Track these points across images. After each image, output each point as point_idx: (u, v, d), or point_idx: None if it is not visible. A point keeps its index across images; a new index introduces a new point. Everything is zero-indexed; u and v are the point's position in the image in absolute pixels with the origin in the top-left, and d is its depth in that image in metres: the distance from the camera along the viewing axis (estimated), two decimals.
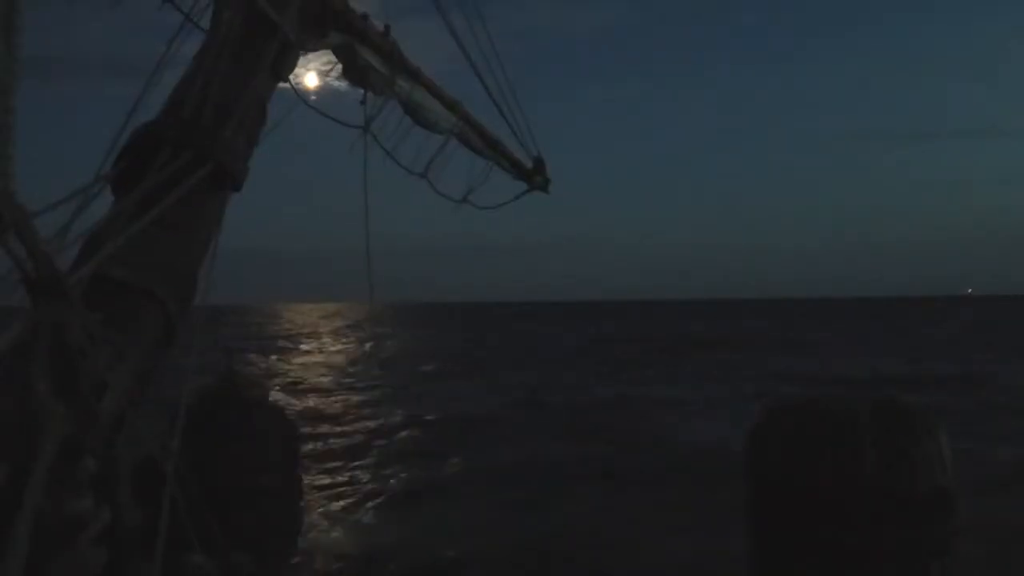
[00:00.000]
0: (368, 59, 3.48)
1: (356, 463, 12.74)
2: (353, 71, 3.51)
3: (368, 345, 45.16)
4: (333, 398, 21.09)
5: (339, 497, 10.48)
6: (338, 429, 15.98)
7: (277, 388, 21.64)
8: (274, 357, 35.79)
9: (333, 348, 44.41)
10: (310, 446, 13.02)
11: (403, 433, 15.44)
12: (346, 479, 11.62)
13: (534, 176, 5.18)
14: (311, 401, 20.54)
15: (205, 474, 2.09)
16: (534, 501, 9.87)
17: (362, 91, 3.68)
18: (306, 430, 13.71)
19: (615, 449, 13.56)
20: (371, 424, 16.57)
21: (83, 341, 1.55)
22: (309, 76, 3.42)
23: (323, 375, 27.75)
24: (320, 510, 9.67)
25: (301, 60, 2.97)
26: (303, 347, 44.29)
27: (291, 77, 3.05)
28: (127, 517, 1.58)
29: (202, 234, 2.26)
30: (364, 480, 11.62)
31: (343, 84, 3.59)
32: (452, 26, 4.03)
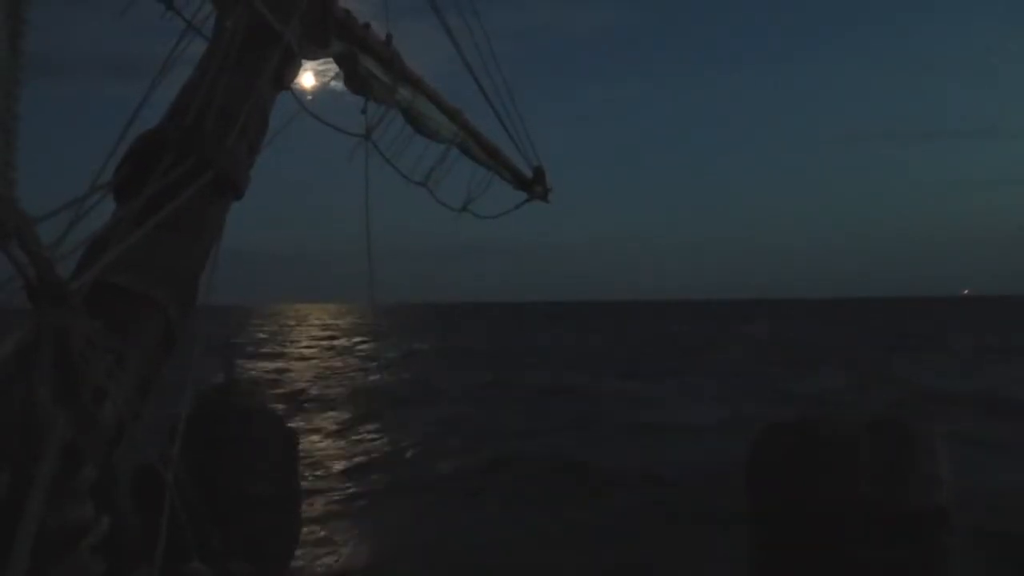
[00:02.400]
0: (370, 68, 3.49)
1: None
2: (355, 79, 3.52)
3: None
4: None
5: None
6: None
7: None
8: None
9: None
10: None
11: None
12: None
13: (534, 186, 5.19)
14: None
15: (204, 481, 2.08)
16: None
17: (363, 99, 3.68)
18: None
19: None
20: None
21: (84, 347, 1.55)
22: (306, 76, 3.43)
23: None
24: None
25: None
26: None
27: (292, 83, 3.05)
28: (126, 525, 1.57)
29: (204, 240, 2.26)
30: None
31: (339, 85, 3.60)
32: (451, 32, 4.03)
